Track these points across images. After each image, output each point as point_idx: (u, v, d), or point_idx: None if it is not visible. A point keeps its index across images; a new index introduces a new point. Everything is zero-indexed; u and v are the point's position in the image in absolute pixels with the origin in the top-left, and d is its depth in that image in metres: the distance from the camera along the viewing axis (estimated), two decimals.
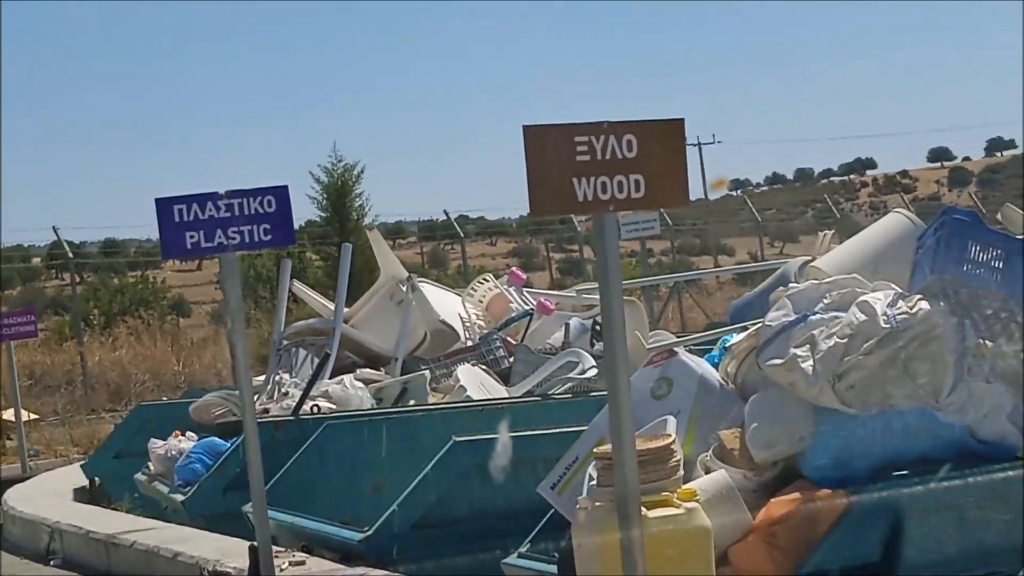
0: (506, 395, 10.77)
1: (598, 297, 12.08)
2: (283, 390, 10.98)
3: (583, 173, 5.03)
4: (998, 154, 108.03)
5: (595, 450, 6.03)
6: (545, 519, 6.91)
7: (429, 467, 8.37)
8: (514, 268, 13.45)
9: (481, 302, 12.38)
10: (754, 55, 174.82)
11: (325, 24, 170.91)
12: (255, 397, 11.62)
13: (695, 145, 71.68)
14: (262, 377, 12.17)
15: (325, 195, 25.71)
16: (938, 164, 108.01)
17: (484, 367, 11.19)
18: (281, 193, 7.49)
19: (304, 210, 26.67)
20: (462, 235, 28.62)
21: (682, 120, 5.27)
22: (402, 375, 11.19)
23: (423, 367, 11.23)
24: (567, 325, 11.58)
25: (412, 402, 10.70)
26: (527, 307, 12.14)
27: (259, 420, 10.14)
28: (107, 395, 22.65)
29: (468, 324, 11.93)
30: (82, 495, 12.85)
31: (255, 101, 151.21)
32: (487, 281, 12.61)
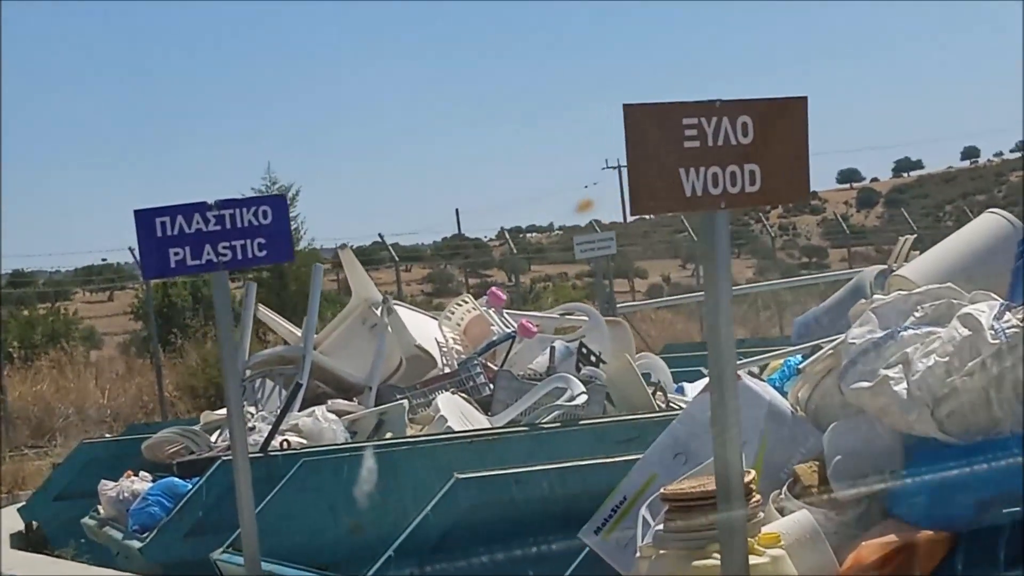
0: (490, 425, 10.03)
1: (583, 318, 11.48)
2: (249, 424, 10.12)
3: (692, 163, 4.29)
4: (905, 174, 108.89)
5: (664, 490, 5.27)
6: (575, 565, 6.26)
7: (429, 507, 7.62)
8: (494, 288, 12.62)
9: (459, 325, 11.60)
10: (662, 75, 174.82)
11: (258, 39, 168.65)
12: (216, 433, 10.83)
13: (615, 168, 71.31)
14: (222, 411, 11.33)
15: None
16: (847, 185, 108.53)
17: (464, 395, 10.41)
18: (278, 204, 6.72)
19: None
20: (396, 259, 27.70)
21: (804, 99, 4.55)
22: (376, 405, 10.39)
23: (399, 396, 10.43)
24: (552, 348, 10.85)
25: (389, 435, 9.92)
26: (508, 329, 11.35)
27: (224, 458, 9.43)
28: (29, 430, 21.56)
29: (445, 349, 11.14)
30: (19, 541, 11.90)
31: (184, 120, 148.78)
32: (465, 303, 11.82)
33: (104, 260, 47.33)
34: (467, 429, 9.79)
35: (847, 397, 5.44)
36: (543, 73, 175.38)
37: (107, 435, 15.53)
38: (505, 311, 11.88)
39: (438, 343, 11.19)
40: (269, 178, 24.42)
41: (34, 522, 12.15)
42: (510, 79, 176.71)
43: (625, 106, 4.23)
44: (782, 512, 5.40)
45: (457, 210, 67.28)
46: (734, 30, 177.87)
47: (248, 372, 10.92)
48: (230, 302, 6.77)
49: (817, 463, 5.45)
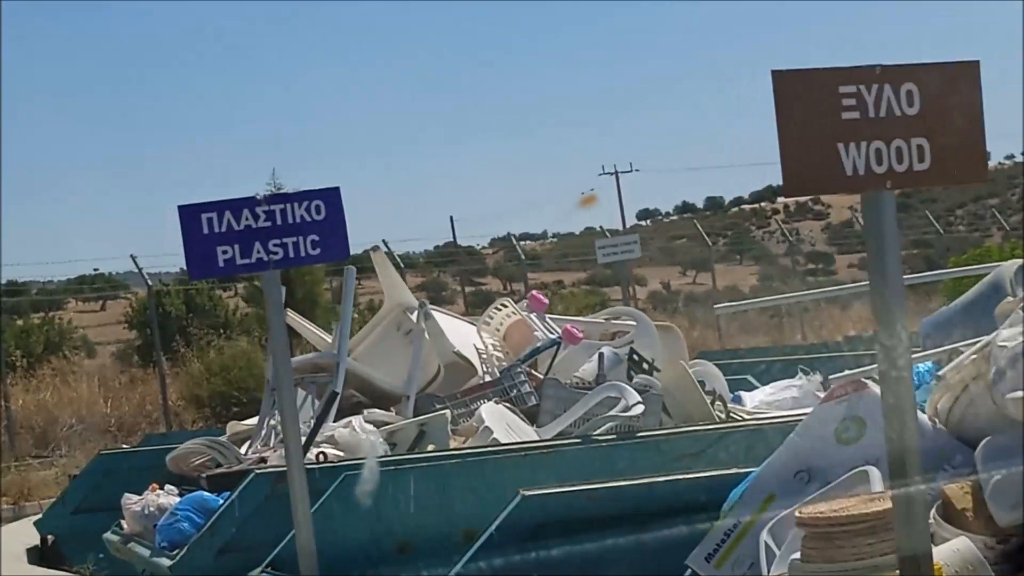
0: (537, 437, 9.39)
1: (631, 323, 10.83)
2: (280, 437, 9.47)
3: (851, 137, 3.73)
4: None
5: (800, 512, 4.64)
6: None
7: (494, 527, 6.98)
8: (534, 292, 11.92)
9: (498, 330, 10.91)
10: (662, 82, 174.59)
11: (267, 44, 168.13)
12: (246, 445, 10.19)
13: (612, 174, 70.81)
14: (249, 422, 10.70)
15: None
16: None
17: (508, 404, 9.76)
18: (332, 197, 6.11)
19: None
20: (402, 266, 27.04)
21: (976, 63, 3.95)
22: (415, 415, 9.73)
23: (439, 406, 9.77)
24: (600, 355, 10.17)
25: (431, 447, 9.27)
26: (552, 335, 10.68)
27: (257, 471, 8.82)
28: (33, 440, 20.97)
29: (485, 356, 10.47)
30: (35, 556, 11.34)
31: (182, 126, 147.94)
32: (505, 307, 11.14)
33: (96, 270, 46.72)
34: (516, 441, 9.16)
35: (1004, 408, 4.78)
36: (539, 81, 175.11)
37: (124, 446, 14.88)
38: (548, 316, 11.21)
39: (477, 350, 10.53)
40: (274, 184, 23.75)
41: (50, 536, 11.51)
42: (505, 87, 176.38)
43: (774, 72, 3.70)
44: (933, 538, 4.75)
45: (452, 217, 66.70)
46: (732, 32, 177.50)
47: None
48: (283, 305, 6.13)
49: (969, 483, 4.80)
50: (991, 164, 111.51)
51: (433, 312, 10.59)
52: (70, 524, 11.35)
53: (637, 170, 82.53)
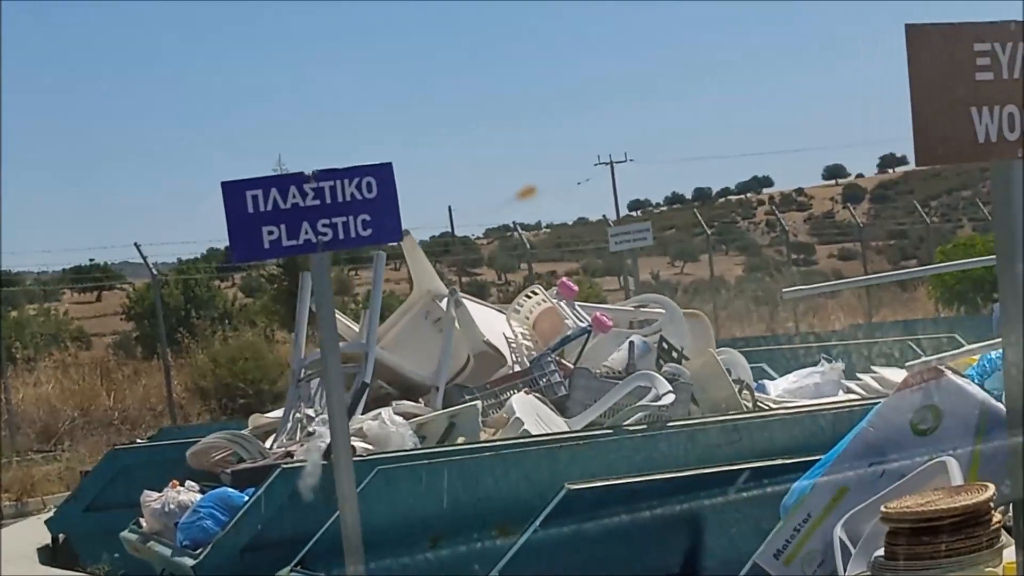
0: (567, 428, 9.19)
1: (659, 310, 10.62)
2: (308, 428, 9.24)
3: (984, 101, 3.48)
4: (890, 170, 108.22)
5: (885, 507, 4.44)
6: None
7: (538, 521, 6.79)
8: (564, 279, 11.65)
9: (527, 318, 10.67)
10: (652, 74, 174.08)
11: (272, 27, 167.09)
12: (273, 438, 9.96)
13: (608, 164, 70.59)
14: (272, 414, 10.46)
15: None
16: (832, 181, 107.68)
17: (538, 395, 9.54)
18: (384, 173, 5.81)
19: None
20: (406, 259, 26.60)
21: None
22: (444, 406, 9.51)
23: (467, 397, 9.54)
24: (631, 343, 9.96)
25: (461, 439, 9.04)
26: (582, 323, 10.44)
27: (284, 465, 8.59)
28: (35, 435, 20.63)
29: (515, 345, 10.22)
30: (46, 556, 11.05)
31: (191, 108, 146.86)
32: (535, 294, 10.88)
33: (92, 260, 46.37)
34: (547, 432, 8.96)
35: None
36: (533, 72, 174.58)
37: (138, 440, 14.55)
38: (577, 304, 10.96)
39: (507, 339, 10.28)
40: (279, 170, 23.22)
41: (61, 535, 11.23)
42: (499, 78, 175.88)
43: (907, 27, 3.42)
44: (1010, 532, 4.57)
45: (450, 208, 66.44)
46: (711, 31, 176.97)
47: (304, 371, 9.98)
48: (331, 291, 5.87)
49: None
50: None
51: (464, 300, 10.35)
52: (83, 522, 11.08)
53: (632, 160, 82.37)
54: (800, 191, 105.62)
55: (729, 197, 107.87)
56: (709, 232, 35.40)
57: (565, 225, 77.29)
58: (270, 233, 5.69)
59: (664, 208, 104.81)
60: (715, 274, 34.32)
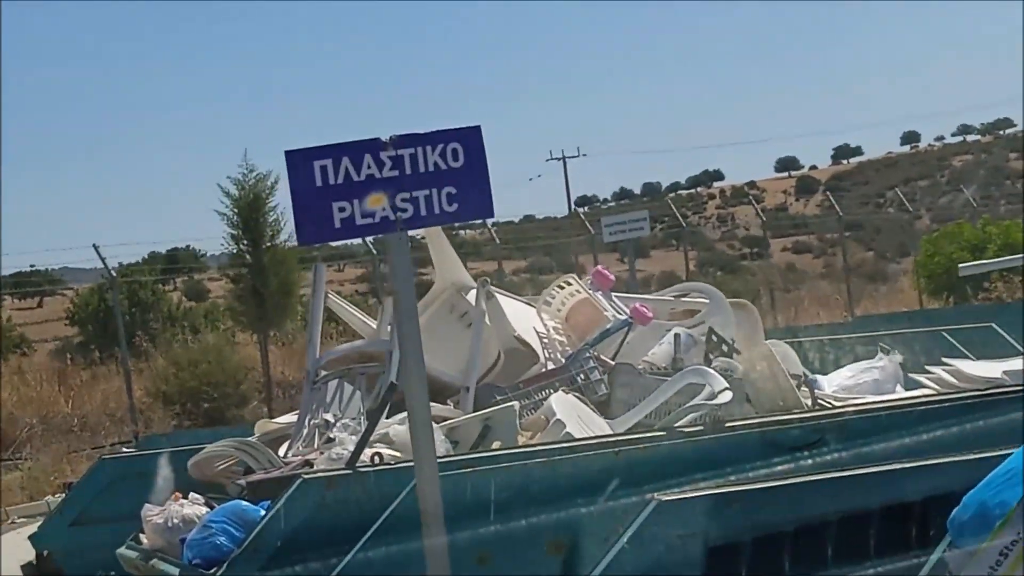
0: (611, 429, 8.36)
1: (704, 300, 9.79)
2: (328, 435, 8.35)
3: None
4: (844, 161, 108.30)
5: None
6: None
7: (625, 537, 5.97)
8: (600, 267, 10.70)
9: (559, 311, 9.79)
10: (603, 67, 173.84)
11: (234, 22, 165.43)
12: (287, 446, 9.08)
13: (560, 159, 69.91)
14: (281, 419, 9.55)
15: (236, 210, 22.26)
16: (785, 174, 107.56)
17: (577, 394, 8.69)
18: (472, 139, 4.93)
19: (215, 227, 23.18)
20: (375, 253, 25.73)
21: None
22: (475, 408, 8.65)
23: (500, 397, 8.68)
24: (676, 337, 9.12)
25: (496, 444, 8.18)
26: (622, 316, 9.57)
27: (305, 475, 7.72)
28: None
29: (546, 340, 9.35)
30: (30, 573, 10.19)
31: (164, 105, 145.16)
32: (569, 284, 9.98)
33: (32, 266, 45.45)
34: (593, 435, 8.10)
35: None
36: (484, 68, 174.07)
37: (125, 449, 13.65)
38: (615, 294, 10.08)
39: (538, 333, 9.39)
40: (246, 165, 22.21)
41: (46, 551, 10.34)
42: (452, 73, 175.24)
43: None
44: None
45: None
46: (672, 23, 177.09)
47: (323, 372, 9.06)
48: (412, 275, 4.98)
49: None
50: (921, 145, 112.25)
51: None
52: (70, 538, 10.21)
53: (584, 155, 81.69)
54: (752, 184, 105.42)
55: (679, 192, 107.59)
56: (684, 225, 34.74)
57: (512, 223, 76.68)
58: (342, 210, 4.80)
59: (612, 204, 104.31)
60: (667, 269, 33.77)
